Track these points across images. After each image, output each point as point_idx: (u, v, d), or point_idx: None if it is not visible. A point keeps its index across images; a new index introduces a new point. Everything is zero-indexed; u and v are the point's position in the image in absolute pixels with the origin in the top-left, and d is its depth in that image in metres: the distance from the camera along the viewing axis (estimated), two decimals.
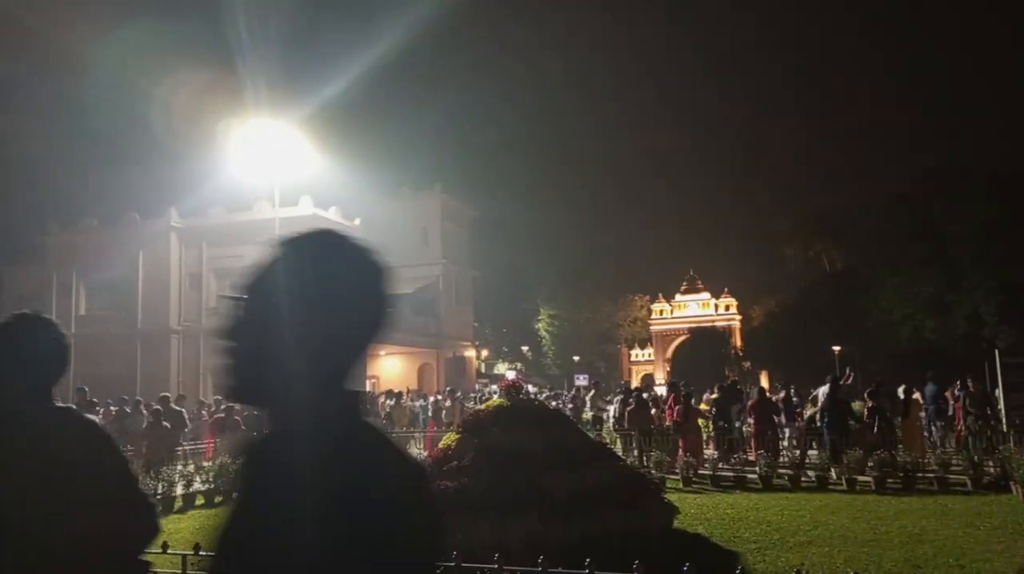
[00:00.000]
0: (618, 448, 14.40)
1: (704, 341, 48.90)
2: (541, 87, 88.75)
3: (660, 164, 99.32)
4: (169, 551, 4.87)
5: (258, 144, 28.82)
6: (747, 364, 49.09)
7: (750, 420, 15.88)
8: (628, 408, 16.54)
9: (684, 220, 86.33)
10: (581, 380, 37.93)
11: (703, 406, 17.82)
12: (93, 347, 34.56)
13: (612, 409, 19.57)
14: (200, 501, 13.11)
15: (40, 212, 38.87)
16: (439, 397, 26.41)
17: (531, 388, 25.26)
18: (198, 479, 13.42)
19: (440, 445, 9.56)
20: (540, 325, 57.68)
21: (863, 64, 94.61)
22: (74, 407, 1.96)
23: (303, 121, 32.83)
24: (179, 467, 14.21)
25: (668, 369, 52.42)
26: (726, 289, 55.60)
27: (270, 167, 29.17)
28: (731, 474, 13.39)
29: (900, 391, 16.37)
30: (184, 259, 34.86)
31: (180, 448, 15.87)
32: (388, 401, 24.03)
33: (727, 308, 55.01)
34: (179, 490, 13.04)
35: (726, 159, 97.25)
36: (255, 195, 32.70)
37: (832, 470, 12.73)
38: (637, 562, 3.88)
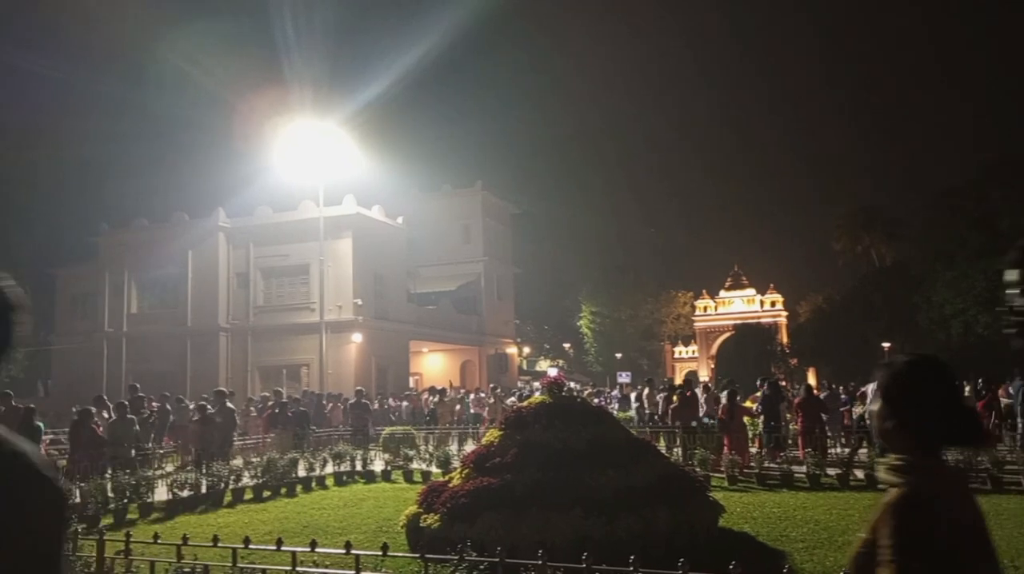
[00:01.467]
0: (661, 445, 14.31)
1: (749, 338, 48.22)
2: (582, 83, 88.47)
3: (705, 159, 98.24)
4: (220, 544, 4.98)
5: (303, 144, 29.25)
6: (794, 361, 48.31)
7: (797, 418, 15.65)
8: (671, 405, 16.41)
9: (729, 215, 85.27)
10: (624, 377, 37.79)
11: (748, 403, 17.59)
12: (145, 345, 35.44)
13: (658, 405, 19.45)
14: (249, 495, 13.35)
15: (92, 213, 39.94)
16: (482, 394, 26.53)
17: (573, 385, 25.20)
18: (246, 474, 13.67)
19: (483, 441, 9.60)
20: (582, 322, 57.50)
21: (913, 54, 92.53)
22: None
23: (346, 121, 33.26)
24: (230, 462, 14.51)
25: (712, 366, 51.86)
26: (772, 285, 54.77)
27: (315, 167, 29.59)
28: (777, 472, 13.21)
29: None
30: (231, 258, 35.48)
31: (234, 443, 16.23)
32: (431, 398, 24.21)
33: (773, 304, 54.20)
34: (229, 484, 13.29)
35: (772, 153, 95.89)
36: (300, 195, 33.15)
37: None
38: (683, 560, 3.85)
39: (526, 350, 57.97)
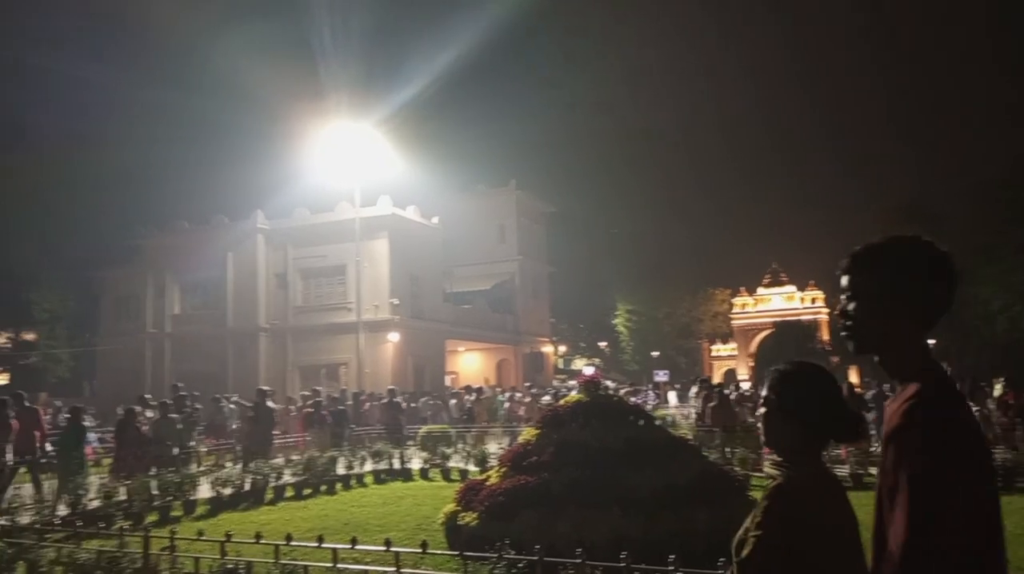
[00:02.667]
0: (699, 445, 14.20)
1: (789, 335, 47.59)
2: (617, 81, 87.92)
3: (742, 155, 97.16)
4: (262, 541, 5.06)
5: (339, 146, 29.55)
6: (835, 359, 47.58)
7: None
8: (710, 404, 16.28)
9: (767, 212, 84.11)
10: (661, 376, 37.53)
11: None
12: (187, 345, 36.11)
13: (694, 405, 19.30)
14: (290, 493, 13.52)
15: (135, 216, 40.73)
16: (518, 394, 26.56)
17: (610, 384, 25.09)
18: (287, 472, 13.85)
19: (519, 440, 9.61)
20: (617, 320, 57.23)
21: (954, 46, 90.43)
22: None
23: (382, 122, 33.49)
24: (271, 460, 14.73)
25: (752, 364, 51.29)
26: (812, 282, 54.00)
27: (351, 168, 29.87)
28: None
29: (999, 386, 15.63)
30: (270, 259, 35.98)
31: (274, 442, 16.48)
32: (468, 396, 24.31)
33: (813, 301, 53.44)
34: (271, 482, 13.48)
35: (810, 148, 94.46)
36: (337, 196, 33.48)
37: None
38: (723, 560, 3.82)
39: (562, 349, 57.88)
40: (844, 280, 1.88)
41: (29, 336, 45.39)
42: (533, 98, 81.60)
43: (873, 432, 16.27)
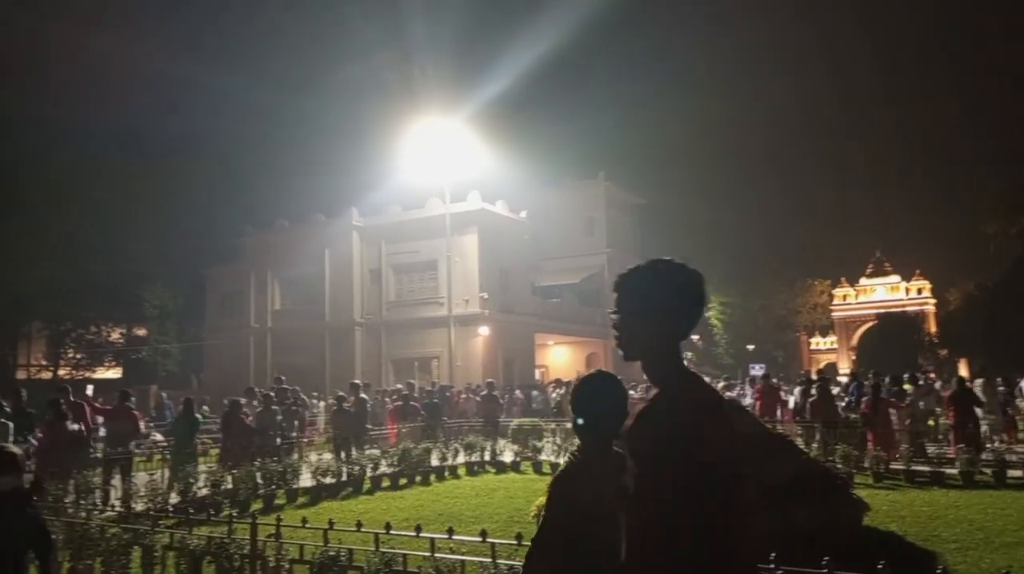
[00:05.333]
0: (799, 441, 13.78)
1: (894, 328, 45.55)
2: (709, 71, 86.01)
3: (844, 142, 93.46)
4: (363, 530, 5.19)
5: (430, 142, 30.01)
6: (943, 352, 45.32)
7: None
8: (810, 399, 15.76)
9: (870, 199, 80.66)
10: (757, 370, 36.56)
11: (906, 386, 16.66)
12: (287, 339, 37.46)
13: (791, 399, 18.76)
14: (386, 483, 13.85)
15: (238, 215, 42.42)
16: None
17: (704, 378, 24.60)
18: (384, 463, 14.18)
19: None
20: (711, 313, 55.99)
21: None
22: None
23: (471, 118, 33.82)
24: (366, 451, 15.12)
25: (854, 358, 49.40)
26: (918, 271, 51.57)
27: (441, 164, 30.29)
28: (927, 469, 12.47)
29: None
30: (365, 255, 36.91)
31: (367, 432, 16.90)
32: (558, 390, 24.33)
33: (919, 292, 51.03)
34: (368, 472, 13.84)
35: (916, 133, 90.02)
36: (428, 192, 34.02)
37: None
38: (827, 559, 3.69)
39: None
40: (615, 298, 2.18)
41: (141, 331, 47.88)
42: (623, 89, 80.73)
43: (985, 427, 15.48)
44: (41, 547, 4.15)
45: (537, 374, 37.65)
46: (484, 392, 20.61)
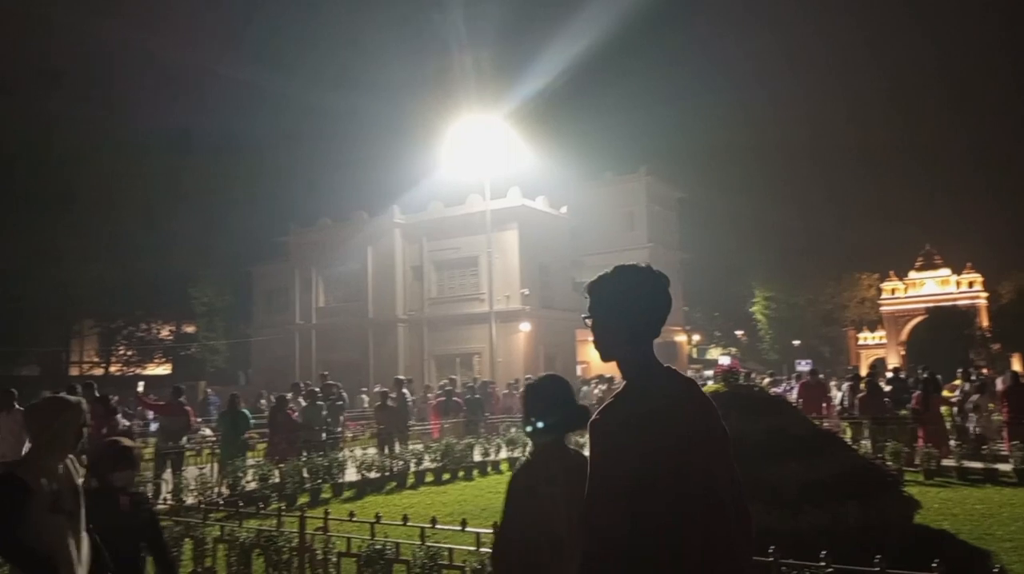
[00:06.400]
0: (847, 437, 13.56)
1: (944, 322, 44.46)
2: (750, 64, 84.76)
3: (890, 132, 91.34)
4: (408, 524, 5.24)
5: (470, 139, 30.08)
6: (996, 347, 44.14)
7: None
8: (859, 395, 15.48)
9: (918, 191, 78.71)
10: (803, 366, 35.99)
11: (947, 393, 16.28)
12: (331, 336, 37.94)
13: (839, 395, 18.45)
14: (429, 478, 13.95)
15: (283, 213, 43.04)
16: None
17: (753, 375, 24.28)
18: (427, 457, 14.29)
19: None
20: (755, 308, 55.24)
21: None
22: None
23: (511, 114, 33.84)
24: (410, 446, 15.24)
25: (903, 353, 48.33)
26: (969, 264, 50.19)
27: (481, 160, 30.35)
28: (980, 467, 12.16)
29: None
30: (406, 252, 37.20)
31: (409, 428, 17.03)
32: (600, 385, 24.22)
33: (970, 285, 49.65)
34: (411, 467, 13.95)
35: (966, 121, 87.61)
36: (468, 189, 34.12)
37: None
38: (880, 557, 3.63)
39: (695, 338, 56.59)
40: (587, 303, 2.32)
41: (189, 328, 48.91)
42: (664, 83, 79.99)
43: None
44: (156, 541, 4.05)
45: (579, 370, 37.55)
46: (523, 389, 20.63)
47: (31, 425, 3.53)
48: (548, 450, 2.82)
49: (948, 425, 14.77)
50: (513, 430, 16.90)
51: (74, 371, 44.03)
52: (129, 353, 46.72)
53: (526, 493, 2.72)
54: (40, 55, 41.18)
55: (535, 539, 2.65)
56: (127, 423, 14.87)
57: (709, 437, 2.09)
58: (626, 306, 2.20)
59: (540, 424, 2.83)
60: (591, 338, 2.33)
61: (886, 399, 15.82)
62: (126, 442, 4.13)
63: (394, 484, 13.38)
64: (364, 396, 24.99)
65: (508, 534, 2.75)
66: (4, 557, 3.28)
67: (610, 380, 24.22)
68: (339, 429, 16.84)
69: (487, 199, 31.29)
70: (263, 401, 24.11)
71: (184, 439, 13.92)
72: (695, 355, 54.95)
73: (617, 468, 1.98)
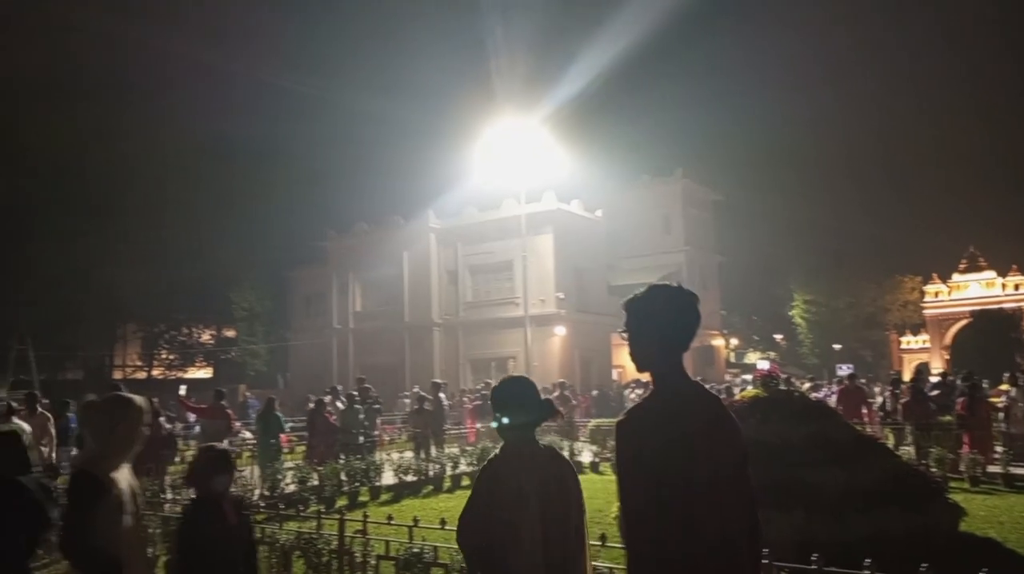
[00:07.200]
0: (890, 443, 13.30)
1: (990, 325, 43.41)
2: (789, 67, 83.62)
3: (932, 132, 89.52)
4: (446, 527, 5.26)
5: (505, 143, 30.13)
6: None
7: None
8: (902, 400, 15.18)
9: (962, 192, 77.01)
10: (844, 370, 35.40)
11: (994, 399, 15.89)
12: (368, 340, 38.27)
13: (880, 401, 18.11)
14: (466, 482, 13.96)
15: (320, 219, 43.50)
16: None
17: (794, 380, 23.99)
18: (463, 461, 14.32)
19: None
20: (794, 312, 54.41)
21: None
22: None
23: (547, 118, 33.76)
24: (446, 450, 15.28)
25: (947, 357, 47.29)
26: (1014, 267, 48.97)
27: (516, 165, 30.38)
28: None
29: None
30: (442, 257, 37.39)
31: (445, 431, 17.07)
32: (637, 390, 24.11)
33: (1017, 287, 48.42)
34: (448, 470, 13.99)
35: (1009, 121, 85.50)
36: (503, 193, 34.16)
37: None
38: (926, 565, 3.56)
39: (733, 342, 55.94)
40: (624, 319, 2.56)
41: (230, 333, 49.65)
42: (700, 86, 79.35)
43: None
44: (251, 546, 3.96)
45: (615, 374, 37.38)
46: (556, 393, 20.59)
47: (93, 424, 3.50)
48: (516, 444, 3.06)
49: (994, 431, 14.43)
50: (549, 436, 16.86)
51: (117, 375, 44.95)
52: (171, 357, 47.59)
53: (491, 480, 2.98)
54: (88, 65, 42.14)
55: (495, 523, 2.94)
56: (169, 426, 15.14)
57: (713, 439, 2.37)
58: (657, 323, 2.44)
59: (506, 420, 3.08)
60: (627, 347, 2.57)
61: (931, 404, 15.49)
62: (221, 446, 4.06)
63: (431, 487, 13.43)
64: (406, 400, 25.15)
65: (467, 518, 3.06)
66: (71, 556, 3.26)
67: (645, 385, 24.10)
68: (376, 432, 16.96)
69: (522, 203, 31.32)
70: (311, 404, 24.35)
71: (225, 442, 14.13)
72: (733, 359, 54.30)
73: (636, 459, 2.28)
